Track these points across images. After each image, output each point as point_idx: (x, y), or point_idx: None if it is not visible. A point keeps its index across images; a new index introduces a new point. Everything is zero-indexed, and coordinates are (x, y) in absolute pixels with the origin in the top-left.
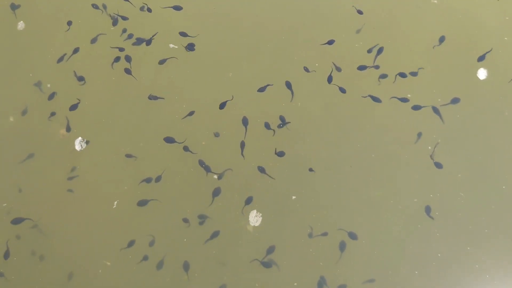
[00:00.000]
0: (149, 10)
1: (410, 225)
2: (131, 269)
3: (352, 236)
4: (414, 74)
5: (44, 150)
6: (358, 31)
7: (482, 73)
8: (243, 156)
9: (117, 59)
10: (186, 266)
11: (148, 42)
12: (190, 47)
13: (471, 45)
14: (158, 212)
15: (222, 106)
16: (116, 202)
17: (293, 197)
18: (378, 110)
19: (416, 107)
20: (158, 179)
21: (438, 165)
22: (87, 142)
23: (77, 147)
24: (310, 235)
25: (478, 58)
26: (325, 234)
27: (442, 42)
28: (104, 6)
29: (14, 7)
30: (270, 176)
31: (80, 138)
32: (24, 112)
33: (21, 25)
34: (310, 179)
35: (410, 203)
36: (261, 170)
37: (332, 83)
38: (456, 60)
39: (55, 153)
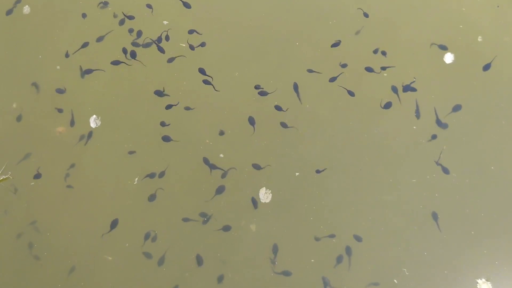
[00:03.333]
0: (167, 38)
1: (415, 230)
2: (133, 264)
3: (357, 238)
4: (416, 80)
5: (42, 147)
6: (358, 33)
7: (448, 58)
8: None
9: (124, 50)
10: (187, 263)
11: (159, 40)
12: (192, 47)
13: (472, 51)
14: (161, 208)
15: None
16: (136, 179)
17: (297, 174)
18: (384, 114)
19: (419, 114)
20: (161, 175)
21: (445, 171)
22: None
23: (92, 125)
24: (316, 238)
25: (484, 67)
26: (332, 236)
27: (442, 49)
28: (106, 3)
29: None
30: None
31: (94, 116)
32: (20, 111)
33: (26, 9)
34: (317, 181)
35: (416, 208)
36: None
37: (340, 85)
38: (458, 66)
39: (54, 150)
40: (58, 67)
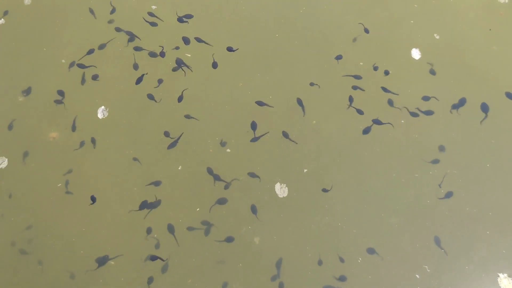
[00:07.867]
0: (163, 54)
1: (420, 252)
2: (136, 270)
3: (370, 251)
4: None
5: (40, 152)
6: (355, 40)
7: (415, 53)
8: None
9: (136, 67)
10: (189, 271)
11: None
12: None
13: (466, 72)
14: (164, 216)
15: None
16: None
17: (305, 170)
18: (389, 134)
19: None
20: (163, 183)
21: (448, 195)
22: (105, 113)
23: (100, 115)
24: (320, 262)
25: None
26: (338, 258)
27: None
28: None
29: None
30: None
31: (103, 107)
32: (22, 109)
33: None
34: (323, 199)
35: (420, 231)
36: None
37: (352, 106)
38: (455, 85)
39: (51, 155)
40: (63, 61)
